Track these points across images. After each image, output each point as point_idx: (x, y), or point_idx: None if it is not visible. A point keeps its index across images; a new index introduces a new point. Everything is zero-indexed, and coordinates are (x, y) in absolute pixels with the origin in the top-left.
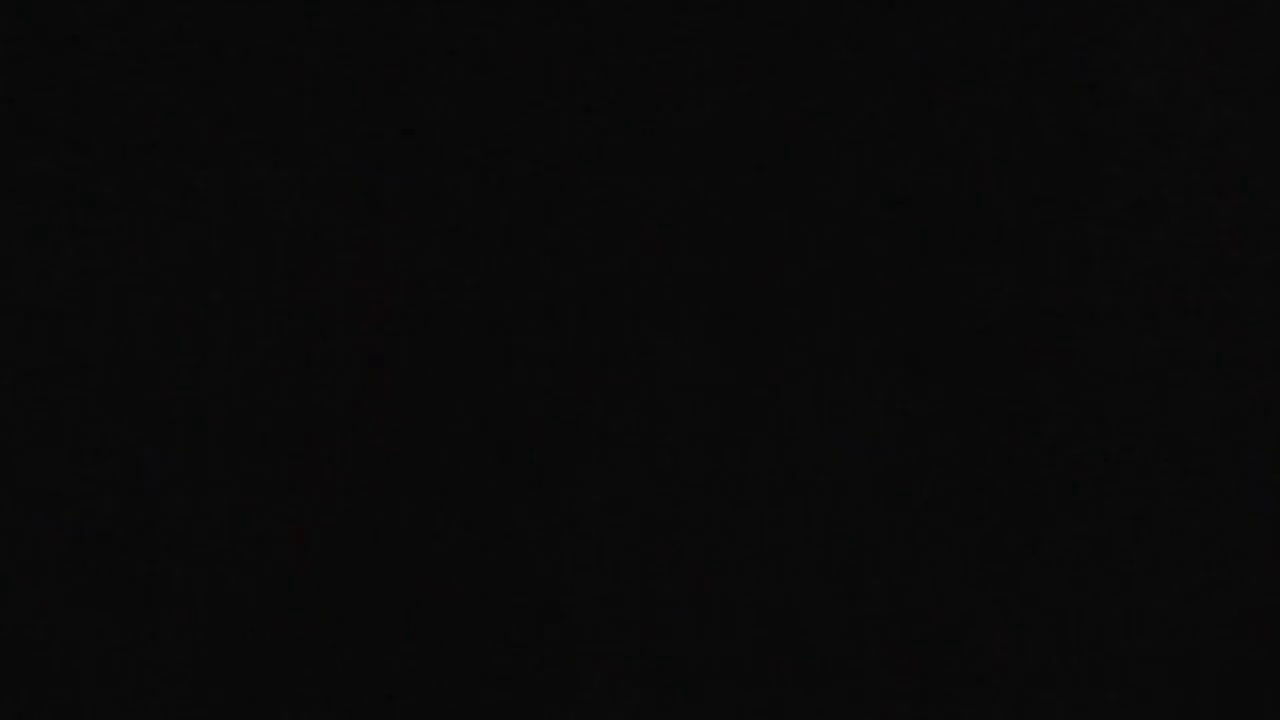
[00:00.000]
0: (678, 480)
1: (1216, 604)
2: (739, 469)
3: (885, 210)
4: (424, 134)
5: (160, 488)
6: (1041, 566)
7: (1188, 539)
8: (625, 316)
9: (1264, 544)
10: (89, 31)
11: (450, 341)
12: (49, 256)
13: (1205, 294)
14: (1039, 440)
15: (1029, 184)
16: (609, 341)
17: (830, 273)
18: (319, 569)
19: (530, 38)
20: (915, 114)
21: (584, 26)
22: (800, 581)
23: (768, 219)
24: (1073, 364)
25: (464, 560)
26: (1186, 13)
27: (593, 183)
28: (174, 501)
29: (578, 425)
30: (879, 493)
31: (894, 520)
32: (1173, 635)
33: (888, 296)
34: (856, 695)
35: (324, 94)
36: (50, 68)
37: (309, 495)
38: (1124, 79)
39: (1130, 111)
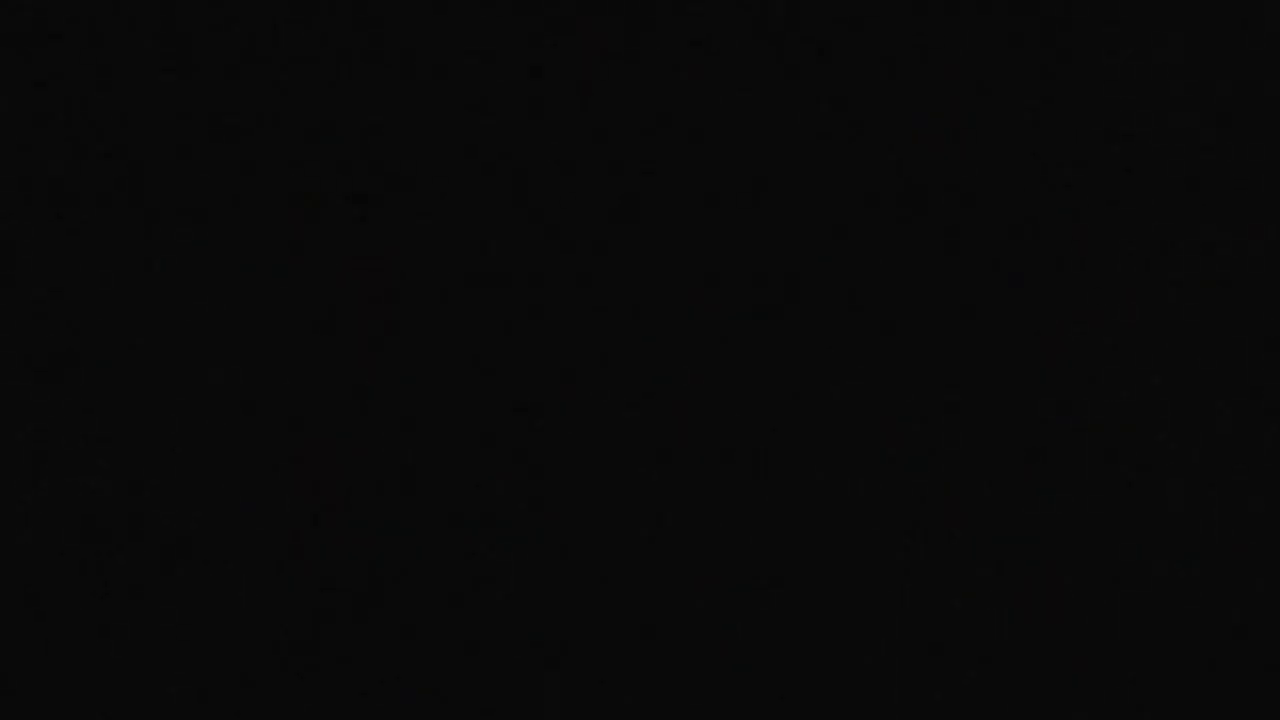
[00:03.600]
0: (680, 480)
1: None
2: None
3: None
4: (428, 134)
5: (158, 488)
6: (1047, 568)
7: (1194, 538)
8: (634, 317)
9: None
10: (87, 32)
11: (453, 341)
12: (48, 257)
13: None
14: (1041, 439)
15: (1041, 181)
16: (618, 341)
17: (832, 275)
18: (317, 569)
19: (533, 37)
20: (917, 113)
21: (589, 27)
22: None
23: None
24: (1075, 362)
25: (463, 561)
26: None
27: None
28: (171, 501)
29: (583, 423)
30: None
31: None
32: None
33: (892, 298)
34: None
35: (322, 94)
36: (50, 68)
37: (307, 495)
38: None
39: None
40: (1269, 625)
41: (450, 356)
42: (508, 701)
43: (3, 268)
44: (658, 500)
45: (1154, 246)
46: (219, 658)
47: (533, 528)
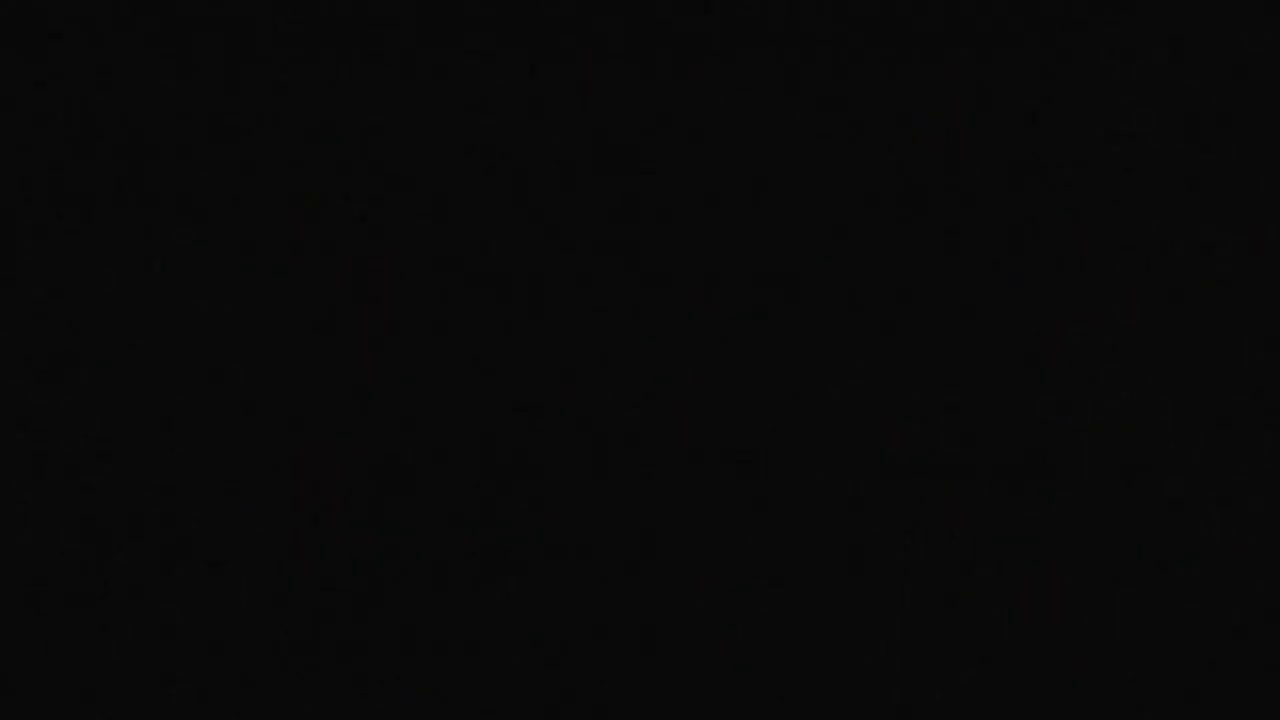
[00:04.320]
0: (674, 478)
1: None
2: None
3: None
4: (426, 133)
5: (158, 488)
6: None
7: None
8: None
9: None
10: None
11: (448, 342)
12: (49, 257)
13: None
14: (1028, 438)
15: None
16: (613, 340)
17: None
18: (317, 570)
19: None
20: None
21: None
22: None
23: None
24: (1075, 362)
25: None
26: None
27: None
28: (170, 502)
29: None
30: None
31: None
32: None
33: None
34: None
35: (323, 94)
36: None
37: (307, 496)
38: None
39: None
40: (1269, 625)
41: (450, 356)
42: (507, 702)
43: (2, 268)
44: (656, 500)
45: (1154, 246)
46: (218, 658)
47: (532, 528)
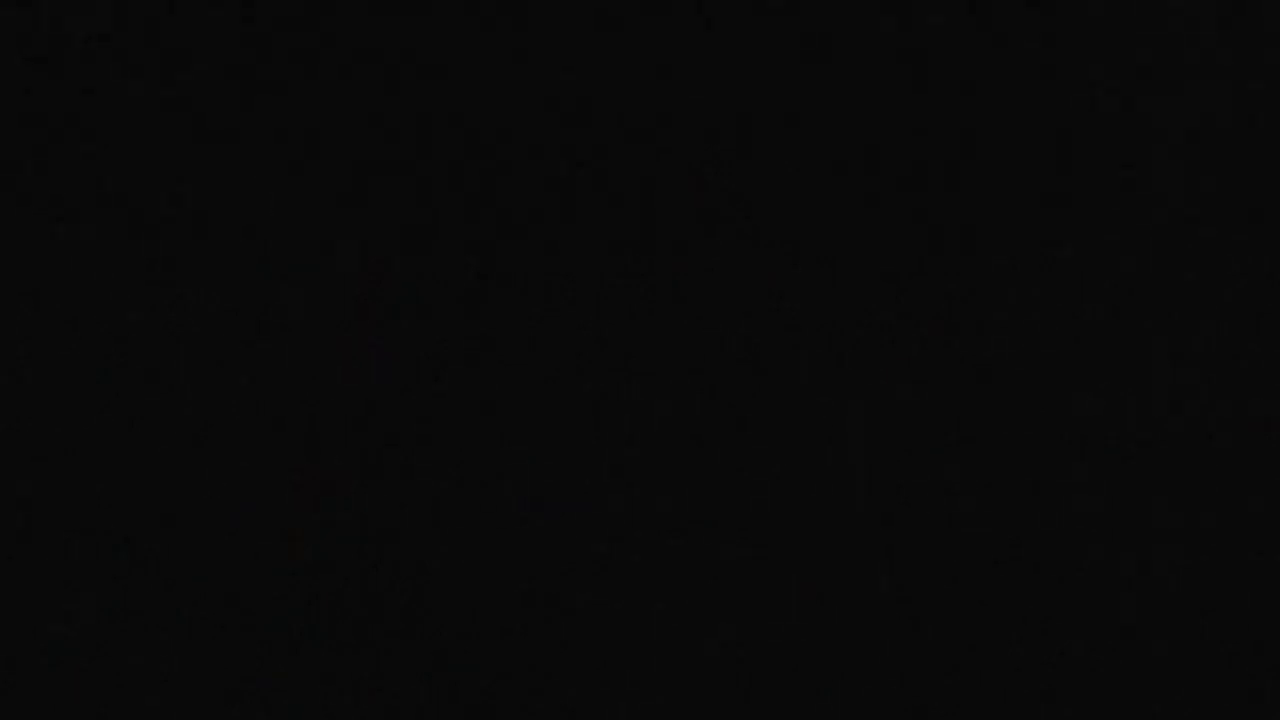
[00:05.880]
0: (674, 483)
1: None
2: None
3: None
4: (424, 134)
5: (157, 488)
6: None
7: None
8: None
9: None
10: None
11: (443, 341)
12: (49, 257)
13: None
14: (1022, 438)
15: (1022, 181)
16: (605, 346)
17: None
18: (315, 570)
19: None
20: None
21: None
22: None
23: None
24: (1073, 362)
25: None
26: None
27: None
28: (170, 502)
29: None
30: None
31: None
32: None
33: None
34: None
35: (324, 94)
36: (52, 69)
37: (305, 496)
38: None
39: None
40: (1269, 625)
41: (449, 356)
42: (506, 703)
43: (3, 267)
44: (655, 502)
45: (1153, 246)
46: (218, 658)
47: (530, 528)
